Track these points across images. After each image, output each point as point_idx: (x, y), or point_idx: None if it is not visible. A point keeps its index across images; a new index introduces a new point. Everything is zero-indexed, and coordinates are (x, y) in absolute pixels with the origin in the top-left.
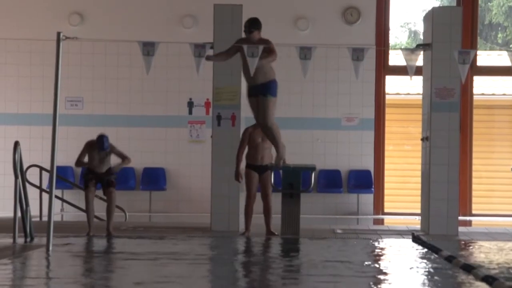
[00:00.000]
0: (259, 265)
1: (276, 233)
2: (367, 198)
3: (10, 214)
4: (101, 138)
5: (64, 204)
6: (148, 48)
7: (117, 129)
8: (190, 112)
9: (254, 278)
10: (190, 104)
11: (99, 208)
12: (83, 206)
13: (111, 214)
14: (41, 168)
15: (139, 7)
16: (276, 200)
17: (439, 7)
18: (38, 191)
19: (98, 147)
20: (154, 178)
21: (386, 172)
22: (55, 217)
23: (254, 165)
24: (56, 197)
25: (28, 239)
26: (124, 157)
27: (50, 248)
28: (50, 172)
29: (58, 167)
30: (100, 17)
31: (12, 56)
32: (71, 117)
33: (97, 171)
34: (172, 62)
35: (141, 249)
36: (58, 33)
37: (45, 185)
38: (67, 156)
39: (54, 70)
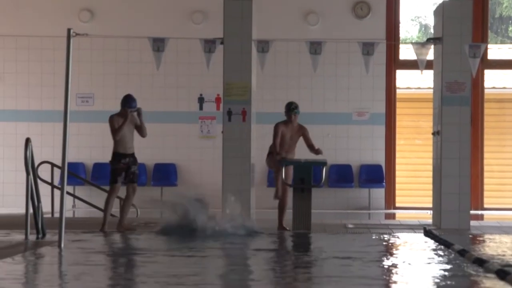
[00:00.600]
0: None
1: (287, 228)
2: (379, 193)
3: (22, 210)
4: (130, 96)
5: (76, 200)
6: (158, 44)
7: None
8: (201, 108)
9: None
10: (201, 100)
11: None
12: (94, 202)
13: (127, 209)
14: (53, 165)
15: (149, 3)
16: (287, 195)
17: (450, 0)
18: (49, 187)
19: (128, 104)
20: (165, 174)
21: (397, 167)
22: (67, 214)
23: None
24: (68, 193)
25: (40, 236)
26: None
27: (62, 244)
28: (62, 168)
29: (69, 164)
30: (110, 13)
31: (23, 53)
32: (82, 114)
33: (128, 152)
34: (182, 58)
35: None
36: (69, 30)
37: (56, 182)
38: (78, 153)
39: (64, 66)
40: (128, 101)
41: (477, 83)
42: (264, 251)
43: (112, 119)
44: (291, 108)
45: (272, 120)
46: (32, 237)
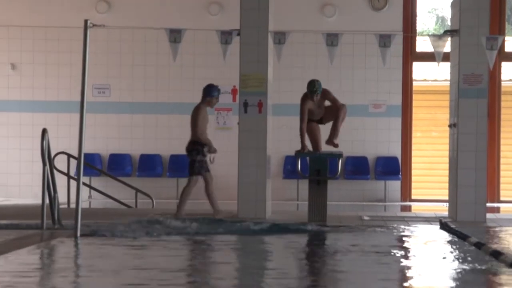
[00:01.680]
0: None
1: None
2: (395, 185)
3: (39, 201)
4: (213, 84)
5: (92, 191)
6: (175, 35)
7: (144, 116)
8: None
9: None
10: (217, 91)
11: (127, 196)
12: (110, 193)
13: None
14: (69, 155)
15: None
16: (303, 187)
17: None
18: (66, 178)
19: (214, 93)
20: (181, 165)
21: (413, 159)
22: (83, 204)
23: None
24: (84, 184)
25: (56, 226)
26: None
27: (78, 234)
28: (78, 159)
29: (85, 154)
30: (127, 5)
31: (40, 44)
32: (99, 104)
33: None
34: (199, 49)
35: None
36: (86, 21)
37: (72, 172)
38: (95, 143)
39: (81, 57)
40: (213, 89)
41: (494, 75)
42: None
43: (200, 109)
44: (312, 90)
45: (288, 112)
46: (48, 227)
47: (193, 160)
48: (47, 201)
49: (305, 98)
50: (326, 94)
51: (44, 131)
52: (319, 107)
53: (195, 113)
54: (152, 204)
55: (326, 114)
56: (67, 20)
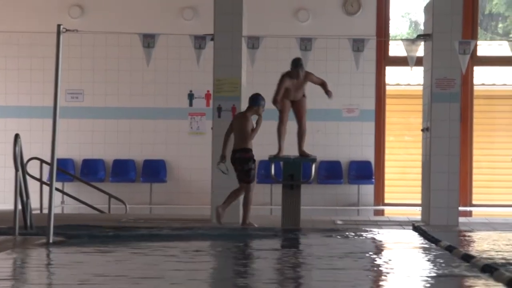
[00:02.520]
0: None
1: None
2: (368, 189)
3: (11, 206)
4: (259, 94)
5: (65, 196)
6: (149, 40)
7: (118, 121)
8: (191, 104)
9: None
10: (191, 96)
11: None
12: (83, 199)
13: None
14: (42, 161)
15: None
16: (276, 191)
17: None
18: (38, 183)
19: (261, 102)
20: (154, 170)
21: (386, 163)
22: (56, 210)
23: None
24: (57, 189)
25: (29, 231)
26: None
27: (51, 240)
28: (51, 164)
29: (58, 160)
30: (101, 9)
31: (13, 49)
32: (72, 110)
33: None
34: (173, 54)
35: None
36: (59, 26)
37: (45, 178)
38: (68, 149)
39: (54, 62)
40: (260, 98)
41: (467, 79)
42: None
43: (248, 118)
44: (298, 64)
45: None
46: (21, 233)
47: (250, 168)
48: (19, 206)
49: (284, 76)
50: (309, 75)
51: (16, 137)
52: (299, 89)
53: (245, 121)
54: (125, 210)
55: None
56: (40, 25)
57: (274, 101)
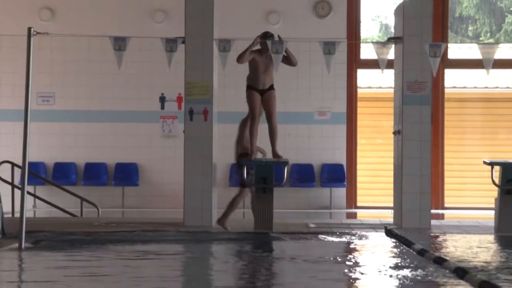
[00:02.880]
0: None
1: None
2: (340, 192)
3: None
4: None
5: (37, 200)
6: (120, 43)
7: (89, 125)
8: (162, 107)
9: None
10: (162, 99)
11: (72, 204)
12: (55, 202)
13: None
14: (13, 164)
15: (110, 1)
16: (249, 194)
17: (410, 0)
18: (10, 187)
19: None
20: (126, 174)
21: (358, 166)
22: (28, 213)
23: (256, 88)
24: (28, 193)
25: (0, 236)
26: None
27: (23, 244)
28: (22, 168)
29: (30, 163)
30: (71, 12)
31: None
32: (43, 113)
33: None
34: (144, 57)
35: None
36: (29, 29)
37: (17, 181)
38: (39, 152)
39: (25, 65)
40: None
41: (438, 82)
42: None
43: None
44: (267, 36)
45: (234, 120)
46: None
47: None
48: None
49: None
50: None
51: None
52: (267, 70)
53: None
54: (98, 213)
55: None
56: (9, 28)
57: (239, 58)
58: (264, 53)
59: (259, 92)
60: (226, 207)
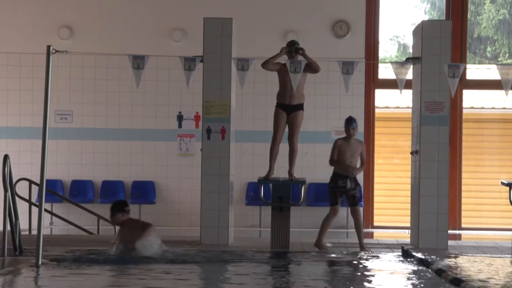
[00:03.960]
0: None
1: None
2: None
3: (0, 227)
4: (351, 116)
5: (54, 217)
6: (138, 61)
7: (107, 142)
8: (180, 126)
9: None
10: (180, 118)
11: (88, 222)
12: (72, 220)
13: (360, 230)
14: (31, 182)
15: (128, 20)
16: (265, 213)
17: (429, 20)
18: (27, 204)
19: (349, 124)
20: (143, 192)
21: (375, 186)
22: (44, 231)
23: (283, 104)
24: (46, 210)
25: (17, 253)
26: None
27: (40, 261)
28: (40, 185)
29: (47, 181)
30: (90, 31)
31: (2, 70)
32: (61, 131)
33: (346, 174)
34: (162, 76)
35: None
36: (48, 47)
37: (34, 199)
38: (57, 170)
39: (43, 83)
40: (350, 121)
41: (456, 103)
42: None
43: (335, 142)
44: (293, 44)
45: (251, 139)
46: (9, 254)
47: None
48: (8, 228)
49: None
50: (305, 55)
51: (5, 157)
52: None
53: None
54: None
55: (294, 121)
56: (29, 46)
57: (264, 63)
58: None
59: (286, 108)
60: (320, 229)
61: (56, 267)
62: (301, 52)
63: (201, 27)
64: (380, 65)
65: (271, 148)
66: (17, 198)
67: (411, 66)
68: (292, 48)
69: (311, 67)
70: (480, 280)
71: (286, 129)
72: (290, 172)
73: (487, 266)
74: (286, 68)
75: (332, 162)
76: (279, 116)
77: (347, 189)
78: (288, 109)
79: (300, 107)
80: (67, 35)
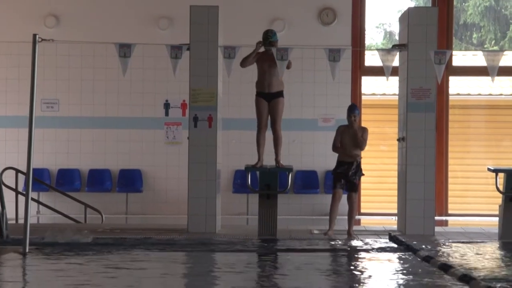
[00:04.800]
0: None
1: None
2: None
3: None
4: (354, 104)
5: (40, 206)
6: (125, 50)
7: (93, 131)
8: (167, 114)
9: None
10: (167, 106)
11: (75, 211)
12: (59, 208)
13: (352, 218)
14: (17, 171)
15: (114, 8)
16: (253, 201)
17: (415, 7)
18: (14, 193)
19: (351, 112)
20: (130, 180)
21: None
22: (31, 220)
23: (263, 92)
24: (32, 199)
25: (5, 241)
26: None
27: (27, 250)
28: (27, 174)
29: (34, 169)
30: (76, 19)
31: None
32: (47, 119)
33: (347, 160)
34: (148, 64)
35: None
36: (34, 35)
37: (21, 188)
38: (43, 158)
39: (29, 72)
40: (352, 108)
41: (442, 89)
42: None
43: (337, 129)
44: (268, 35)
45: (238, 127)
46: None
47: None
48: None
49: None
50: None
51: None
52: (272, 66)
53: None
54: (102, 219)
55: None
56: (15, 34)
57: (242, 62)
58: (267, 53)
59: (266, 96)
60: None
61: (42, 255)
62: (273, 45)
63: (187, 15)
64: (366, 52)
65: (257, 137)
66: (3, 187)
67: (398, 53)
68: (266, 42)
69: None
70: (467, 266)
71: None
72: (276, 160)
73: (474, 252)
74: (264, 56)
75: (334, 148)
76: (260, 104)
77: (346, 175)
78: (268, 97)
79: (280, 94)
80: (53, 23)
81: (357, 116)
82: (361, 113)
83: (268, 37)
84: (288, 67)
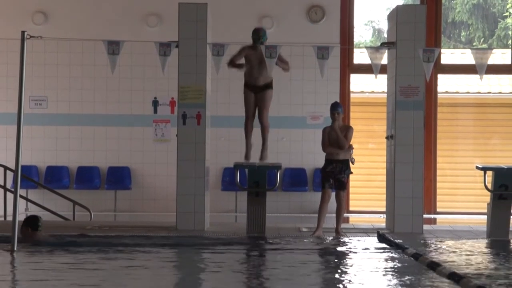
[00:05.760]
0: None
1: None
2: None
3: None
4: (337, 102)
5: (29, 203)
6: (113, 47)
7: (82, 128)
8: (155, 111)
9: None
10: (155, 103)
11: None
12: (47, 206)
13: (338, 216)
14: (5, 168)
15: (103, 5)
16: (241, 198)
17: (403, 5)
18: (2, 190)
19: (334, 109)
20: (119, 177)
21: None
22: (20, 217)
23: (251, 84)
24: (21, 196)
25: None
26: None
27: (15, 247)
28: (15, 171)
29: (22, 167)
30: (64, 16)
31: None
32: (35, 116)
33: (335, 158)
34: (137, 61)
35: None
36: (23, 32)
37: (9, 185)
38: (32, 156)
39: (18, 69)
40: (335, 106)
41: (431, 87)
42: None
43: (323, 130)
44: (256, 38)
45: (227, 124)
46: None
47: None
48: None
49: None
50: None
51: None
52: (262, 65)
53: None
54: (90, 217)
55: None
56: (3, 31)
57: (229, 62)
58: (256, 47)
59: (254, 89)
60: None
61: (31, 252)
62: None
63: (176, 12)
64: (355, 50)
65: (245, 125)
66: None
67: (386, 51)
68: (258, 42)
69: (283, 65)
70: (456, 264)
71: None
72: (261, 153)
73: (462, 250)
74: (251, 51)
75: (324, 149)
76: (247, 95)
77: (334, 174)
78: (255, 89)
79: (268, 86)
80: (41, 20)
81: (340, 114)
82: (350, 111)
83: (260, 37)
84: (285, 68)
